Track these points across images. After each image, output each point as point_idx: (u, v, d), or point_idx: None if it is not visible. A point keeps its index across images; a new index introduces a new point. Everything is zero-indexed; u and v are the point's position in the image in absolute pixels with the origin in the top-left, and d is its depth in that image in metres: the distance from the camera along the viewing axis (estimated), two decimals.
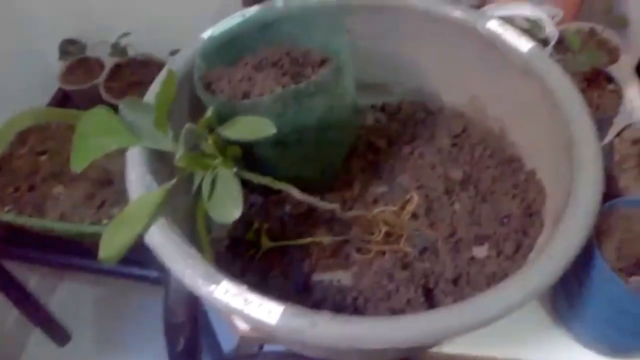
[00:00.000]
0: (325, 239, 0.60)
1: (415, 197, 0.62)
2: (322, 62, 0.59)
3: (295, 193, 0.53)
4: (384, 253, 0.59)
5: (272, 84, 0.53)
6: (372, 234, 0.60)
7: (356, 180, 0.66)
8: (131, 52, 1.02)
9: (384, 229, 0.59)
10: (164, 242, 0.44)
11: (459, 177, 0.64)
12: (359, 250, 0.60)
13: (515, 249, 0.55)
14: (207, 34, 0.61)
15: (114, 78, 1.03)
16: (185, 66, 0.58)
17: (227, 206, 0.45)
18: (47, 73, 1.07)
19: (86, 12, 1.08)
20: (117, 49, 0.99)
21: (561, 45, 0.69)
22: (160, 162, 0.52)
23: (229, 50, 0.60)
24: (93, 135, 0.53)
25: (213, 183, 0.47)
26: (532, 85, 0.56)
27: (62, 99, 1.10)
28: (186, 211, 0.54)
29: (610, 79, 0.65)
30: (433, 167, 0.66)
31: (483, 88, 0.64)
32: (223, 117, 0.51)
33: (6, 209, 0.84)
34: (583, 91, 0.64)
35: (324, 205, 0.55)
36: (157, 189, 0.48)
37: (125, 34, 0.98)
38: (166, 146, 0.50)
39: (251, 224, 0.61)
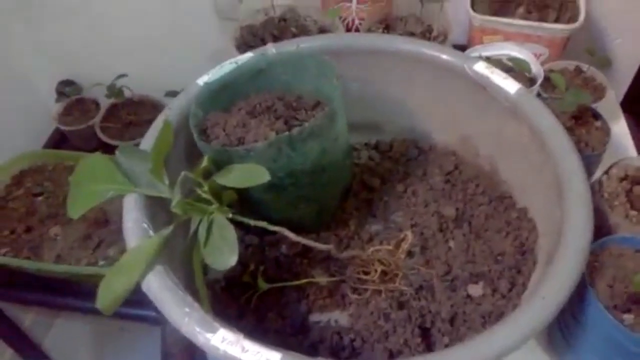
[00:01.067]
0: (321, 279, 0.60)
1: (410, 236, 0.62)
2: (316, 105, 0.61)
3: (290, 235, 0.53)
4: (380, 292, 0.59)
5: (265, 130, 0.54)
6: (368, 273, 0.60)
7: (351, 219, 0.66)
8: (127, 93, 1.03)
9: (380, 268, 0.60)
10: (160, 290, 0.45)
11: (452, 214, 0.65)
12: (355, 290, 0.60)
13: (510, 287, 0.56)
14: (202, 80, 0.62)
15: (110, 118, 1.04)
16: (181, 113, 0.59)
17: (223, 253, 0.45)
18: (44, 114, 1.08)
19: (83, 54, 1.10)
20: (113, 91, 1.00)
21: (548, 83, 0.71)
22: (157, 206, 0.53)
23: (223, 96, 0.61)
24: (89, 183, 0.54)
25: (209, 229, 0.48)
26: (520, 125, 0.57)
27: (59, 140, 1.10)
28: (183, 253, 0.54)
29: (597, 116, 0.67)
30: (426, 205, 0.67)
31: (473, 128, 0.66)
32: (219, 163, 0.52)
33: (2, 251, 0.84)
34: (571, 129, 0.66)
35: (319, 246, 0.56)
36: (153, 237, 0.48)
37: (121, 76, 1.00)
38: (163, 193, 0.50)
39: (247, 265, 0.62)
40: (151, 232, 0.49)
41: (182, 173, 0.48)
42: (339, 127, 0.57)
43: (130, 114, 1.05)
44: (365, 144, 0.75)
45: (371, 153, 0.74)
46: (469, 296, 0.57)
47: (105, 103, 1.06)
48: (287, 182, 0.55)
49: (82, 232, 0.86)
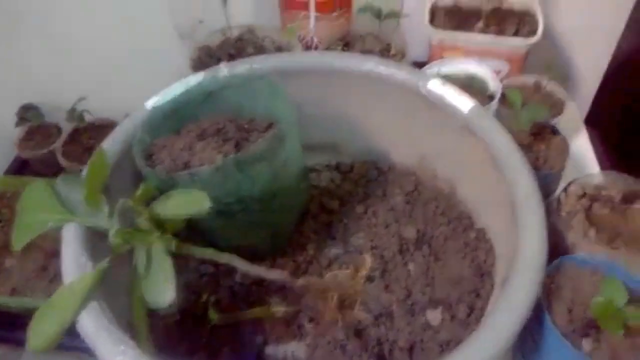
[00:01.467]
0: (277, 309, 0.58)
1: (369, 260, 0.60)
2: (268, 127, 0.59)
3: (239, 264, 0.51)
4: (337, 321, 0.57)
5: (212, 153, 0.52)
6: (326, 300, 0.58)
7: (309, 243, 0.64)
8: (88, 117, 1.01)
9: (337, 294, 0.58)
10: (94, 329, 0.42)
11: (413, 235, 0.63)
12: (312, 319, 0.58)
13: (469, 312, 0.54)
14: (150, 104, 0.60)
15: (71, 143, 1.01)
16: (126, 138, 0.57)
17: (160, 289, 0.43)
18: (4, 140, 1.05)
19: (44, 78, 1.07)
20: (73, 115, 0.97)
21: (507, 99, 0.69)
22: (97, 237, 0.50)
23: (172, 119, 0.59)
24: (32, 212, 0.51)
25: (148, 262, 0.45)
26: (474, 144, 0.56)
27: (21, 166, 1.07)
28: (129, 285, 0.52)
29: (556, 132, 0.66)
30: (387, 226, 0.65)
31: (430, 147, 0.64)
32: (164, 189, 0.50)
33: None
34: (529, 146, 0.65)
35: (271, 274, 0.53)
36: (88, 272, 0.46)
37: (81, 99, 0.97)
38: (101, 223, 0.48)
39: (201, 295, 0.59)
40: (89, 266, 0.47)
41: (120, 201, 0.46)
42: (290, 150, 0.55)
43: (91, 137, 1.02)
44: (326, 166, 0.74)
45: (333, 174, 0.73)
46: (427, 323, 0.55)
47: (67, 127, 1.04)
48: (235, 208, 0.53)
49: (38, 263, 0.82)
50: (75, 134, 1.03)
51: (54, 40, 1.02)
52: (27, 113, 1.06)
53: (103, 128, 1.04)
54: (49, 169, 1.04)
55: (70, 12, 0.97)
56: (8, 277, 0.82)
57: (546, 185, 0.63)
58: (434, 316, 0.55)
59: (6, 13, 0.98)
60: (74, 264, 0.47)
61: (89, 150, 1.01)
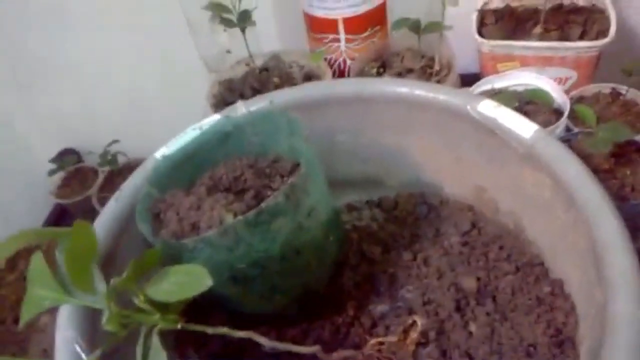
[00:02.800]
0: None
1: (419, 322, 0.50)
2: (294, 169, 0.51)
3: (263, 340, 0.43)
4: None
5: (221, 212, 0.44)
6: None
7: (350, 300, 0.55)
8: (123, 159, 0.97)
9: None
10: None
11: (473, 286, 0.53)
12: None
13: None
14: (160, 153, 0.54)
15: (107, 187, 0.98)
16: (135, 194, 0.51)
17: None
18: (44, 187, 1.03)
19: (79, 122, 1.05)
20: (106, 158, 0.94)
21: (578, 115, 0.58)
22: (98, 319, 0.43)
23: (186, 168, 0.53)
24: (34, 287, 0.46)
25: (145, 350, 0.38)
26: (541, 176, 0.45)
27: (60, 214, 1.05)
28: None
29: None
30: (441, 275, 0.55)
31: (487, 178, 0.54)
32: (171, 256, 0.43)
33: None
34: (611, 170, 0.53)
35: (301, 349, 0.45)
36: None
37: (114, 142, 0.94)
38: (97, 304, 0.41)
39: None
40: (84, 357, 0.40)
41: (111, 281, 0.39)
42: (315, 197, 0.47)
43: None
44: (367, 202, 0.65)
45: (374, 212, 0.64)
46: None
47: (103, 171, 1.00)
48: (252, 272, 0.45)
49: None
50: (110, 177, 1.00)
51: (85, 82, 0.99)
52: (64, 158, 1.04)
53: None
54: (88, 216, 1.01)
55: (99, 53, 0.95)
56: (41, 338, 0.78)
57: (636, 218, 0.51)
58: None
59: (37, 58, 0.96)
60: (67, 355, 0.40)
61: None
